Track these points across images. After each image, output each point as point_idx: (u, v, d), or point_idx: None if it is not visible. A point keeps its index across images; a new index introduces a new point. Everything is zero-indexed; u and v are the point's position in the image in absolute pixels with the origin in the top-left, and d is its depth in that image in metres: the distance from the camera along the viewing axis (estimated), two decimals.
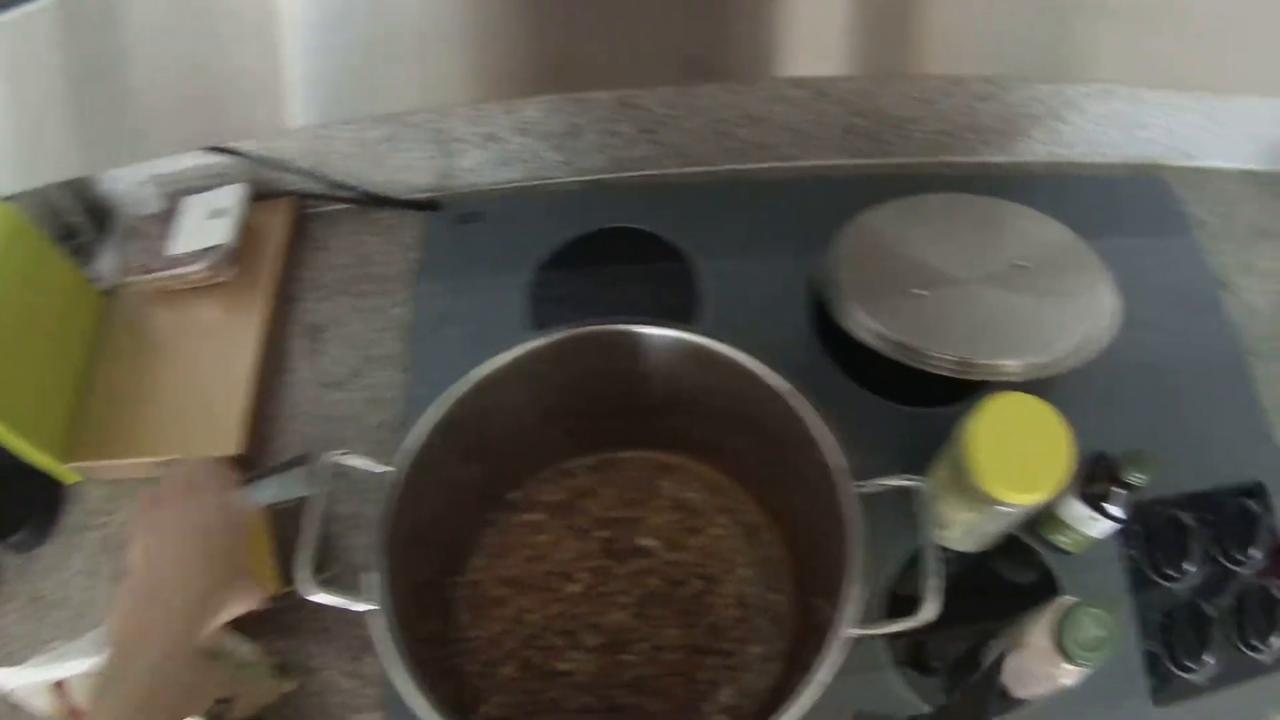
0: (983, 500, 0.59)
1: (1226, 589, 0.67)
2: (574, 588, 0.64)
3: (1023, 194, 0.81)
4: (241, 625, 0.61)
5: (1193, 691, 0.63)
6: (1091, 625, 0.53)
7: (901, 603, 0.64)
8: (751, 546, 0.66)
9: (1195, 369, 0.75)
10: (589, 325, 0.55)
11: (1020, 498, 0.57)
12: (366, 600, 0.51)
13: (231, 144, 0.74)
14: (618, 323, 0.55)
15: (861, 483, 0.53)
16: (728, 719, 0.60)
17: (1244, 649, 0.65)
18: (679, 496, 0.67)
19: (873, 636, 0.49)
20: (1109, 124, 0.81)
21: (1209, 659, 0.63)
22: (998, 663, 0.60)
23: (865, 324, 0.69)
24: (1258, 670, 0.64)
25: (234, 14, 0.41)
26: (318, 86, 0.46)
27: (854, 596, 0.49)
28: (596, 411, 0.64)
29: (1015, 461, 0.57)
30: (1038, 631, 0.55)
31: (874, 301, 0.70)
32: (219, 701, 0.59)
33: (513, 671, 0.62)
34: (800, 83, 0.73)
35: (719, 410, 0.61)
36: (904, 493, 0.54)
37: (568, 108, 0.73)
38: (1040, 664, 0.56)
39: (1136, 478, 0.59)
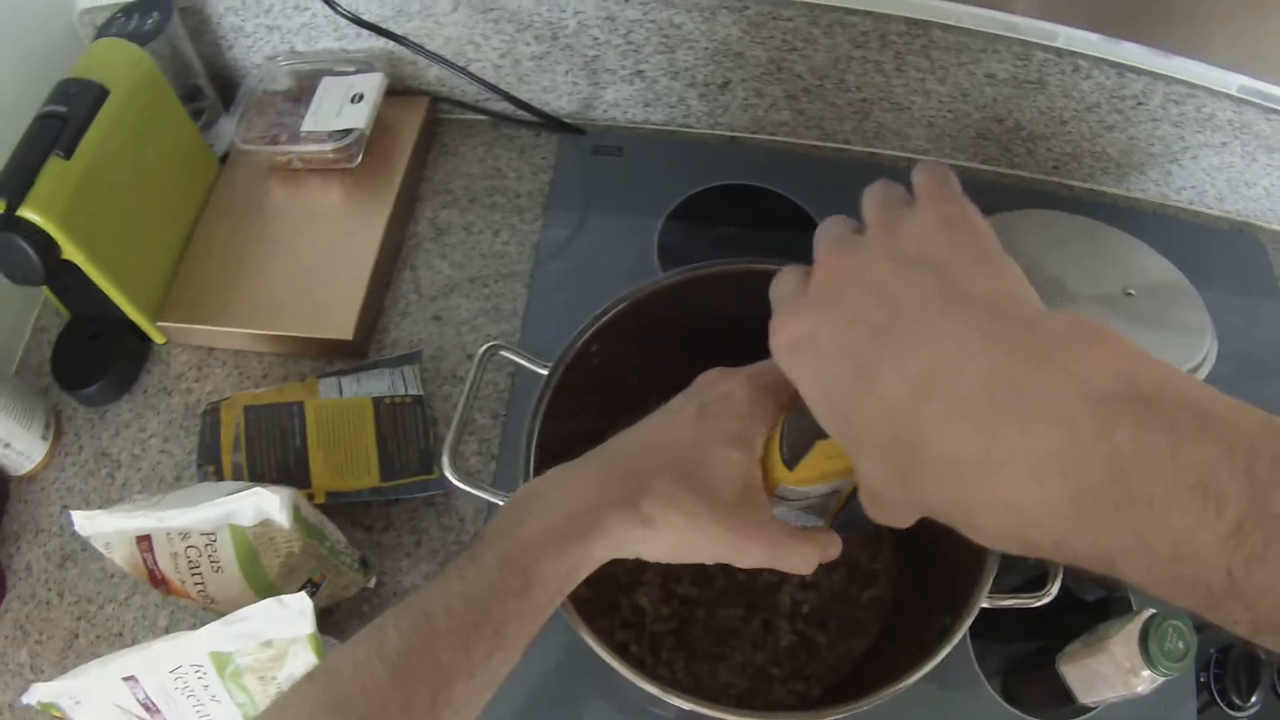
0: None
1: None
2: None
3: (1129, 227, 0.84)
4: (333, 513, 0.61)
5: None
6: (1175, 636, 0.56)
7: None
8: None
9: None
10: (755, 260, 0.55)
11: None
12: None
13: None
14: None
15: None
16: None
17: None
18: None
19: (1000, 608, 0.50)
20: (1219, 176, 0.84)
21: (1254, 699, 0.65)
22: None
23: None
24: None
25: None
26: None
27: (991, 566, 0.50)
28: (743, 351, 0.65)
29: None
30: (1120, 638, 0.58)
31: None
32: (310, 582, 0.58)
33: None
34: (945, 77, 0.75)
35: None
36: None
37: (723, 60, 0.74)
38: (1117, 669, 0.58)
39: None
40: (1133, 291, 0.76)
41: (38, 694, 0.51)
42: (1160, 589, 0.23)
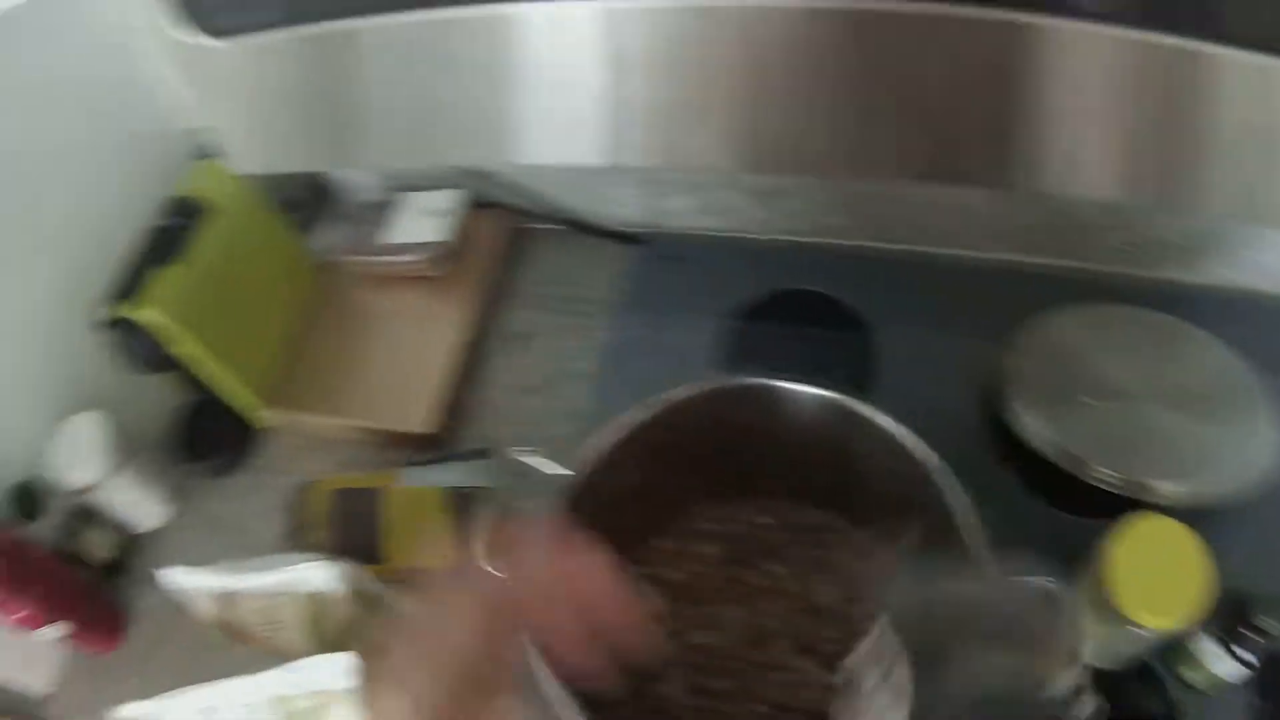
0: (1116, 617, 0.59)
1: None
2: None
3: (1197, 314, 0.82)
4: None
5: None
6: None
7: None
8: None
9: None
10: (771, 378, 0.58)
11: (1151, 620, 0.58)
12: None
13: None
14: (795, 380, 0.58)
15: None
16: None
17: None
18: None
19: None
20: None
21: None
22: None
23: (1033, 425, 0.71)
24: None
25: (464, 55, 0.46)
26: (547, 129, 0.49)
27: None
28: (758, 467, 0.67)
29: (1152, 584, 0.58)
30: None
31: (1045, 404, 0.72)
32: None
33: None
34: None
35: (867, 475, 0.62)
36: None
37: None
38: None
39: (1265, 621, 0.59)
40: (1194, 388, 0.75)
41: (126, 712, 0.60)
42: None
